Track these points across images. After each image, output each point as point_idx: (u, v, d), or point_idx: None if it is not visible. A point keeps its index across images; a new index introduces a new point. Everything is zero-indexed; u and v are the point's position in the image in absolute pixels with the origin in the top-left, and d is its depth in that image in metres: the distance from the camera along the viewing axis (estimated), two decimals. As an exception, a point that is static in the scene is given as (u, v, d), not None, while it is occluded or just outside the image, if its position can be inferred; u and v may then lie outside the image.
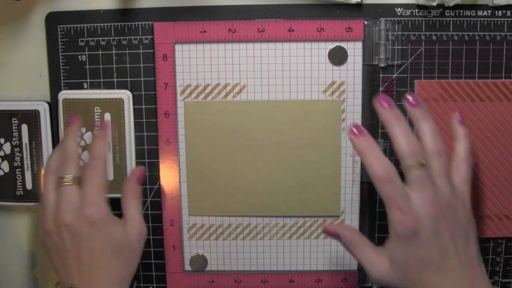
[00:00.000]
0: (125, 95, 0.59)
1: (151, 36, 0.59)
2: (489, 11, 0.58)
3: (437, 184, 0.48)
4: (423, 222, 0.47)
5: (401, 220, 0.47)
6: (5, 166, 0.60)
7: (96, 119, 0.59)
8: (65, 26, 0.59)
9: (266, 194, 0.60)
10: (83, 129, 0.59)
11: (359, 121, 0.59)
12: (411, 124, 0.50)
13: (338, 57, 0.58)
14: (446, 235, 0.47)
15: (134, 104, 0.60)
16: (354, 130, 0.49)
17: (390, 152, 0.59)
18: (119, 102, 0.59)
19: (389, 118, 0.49)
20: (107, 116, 0.59)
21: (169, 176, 0.61)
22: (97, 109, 0.59)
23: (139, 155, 0.61)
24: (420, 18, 0.58)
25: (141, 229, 0.55)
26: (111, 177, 0.60)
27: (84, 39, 0.59)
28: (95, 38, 0.59)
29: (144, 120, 0.60)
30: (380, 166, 0.48)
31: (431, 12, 0.58)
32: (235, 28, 0.58)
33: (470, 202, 0.50)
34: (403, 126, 0.48)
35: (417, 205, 0.47)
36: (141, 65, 0.59)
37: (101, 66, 0.59)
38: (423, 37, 0.58)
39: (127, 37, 0.59)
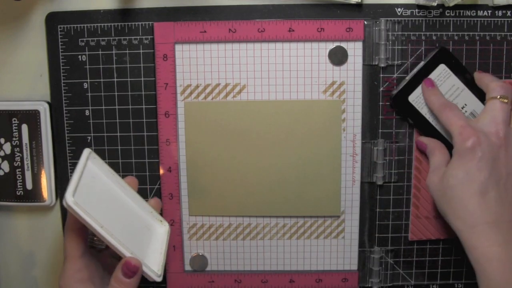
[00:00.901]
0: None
1: (151, 36, 0.59)
2: (489, 11, 0.58)
3: (510, 124, 0.51)
4: (482, 141, 0.50)
5: (461, 132, 0.50)
6: (5, 166, 0.60)
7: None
8: (65, 26, 0.59)
9: (266, 194, 0.60)
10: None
11: (359, 121, 0.59)
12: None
13: (338, 57, 0.58)
14: (500, 165, 0.50)
15: (133, 104, 0.60)
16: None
17: (390, 152, 0.59)
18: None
19: (480, 74, 0.56)
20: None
21: (169, 176, 0.61)
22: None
23: (139, 155, 0.61)
24: (420, 18, 0.58)
25: None
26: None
27: (84, 39, 0.59)
28: (95, 38, 0.59)
29: (144, 120, 0.60)
30: (438, 99, 0.55)
31: (431, 12, 0.58)
32: (235, 28, 0.58)
33: None
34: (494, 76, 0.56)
35: (482, 125, 0.51)
36: (141, 65, 0.59)
37: (101, 66, 0.59)
38: (423, 37, 0.58)
39: (127, 37, 0.59)
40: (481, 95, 0.56)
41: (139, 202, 0.55)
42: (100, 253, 0.54)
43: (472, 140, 0.50)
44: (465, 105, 0.56)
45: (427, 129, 0.57)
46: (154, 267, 0.51)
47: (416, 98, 0.57)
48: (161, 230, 0.56)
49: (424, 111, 0.57)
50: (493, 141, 0.50)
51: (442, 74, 0.56)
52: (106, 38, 0.59)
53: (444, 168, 0.53)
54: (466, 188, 0.50)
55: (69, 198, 0.46)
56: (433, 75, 0.56)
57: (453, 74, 0.56)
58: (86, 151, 0.52)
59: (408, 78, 0.57)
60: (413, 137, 0.59)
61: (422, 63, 0.57)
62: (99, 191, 0.52)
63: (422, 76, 0.56)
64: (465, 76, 0.56)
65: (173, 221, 0.61)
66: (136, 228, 0.54)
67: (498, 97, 0.52)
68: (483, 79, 0.55)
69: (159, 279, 0.51)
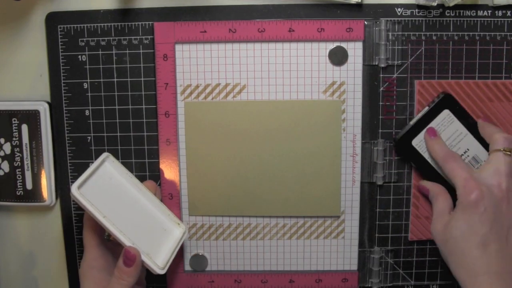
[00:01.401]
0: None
1: (151, 36, 0.59)
2: (489, 11, 0.58)
3: None
4: (485, 195, 0.50)
5: (464, 185, 0.51)
6: (5, 166, 0.60)
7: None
8: (65, 26, 0.59)
9: (266, 194, 0.60)
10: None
11: (359, 121, 0.59)
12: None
13: (338, 57, 0.58)
14: (502, 218, 0.51)
15: (133, 104, 0.60)
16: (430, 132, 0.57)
17: (390, 152, 0.59)
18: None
19: (483, 123, 0.57)
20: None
21: (169, 176, 0.61)
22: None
23: (140, 155, 0.61)
24: (420, 18, 0.58)
25: None
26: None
27: (84, 39, 0.59)
28: (95, 38, 0.59)
29: (144, 120, 0.60)
30: (441, 148, 0.56)
31: (431, 12, 0.58)
32: (235, 28, 0.58)
33: None
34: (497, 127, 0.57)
35: (485, 177, 0.52)
36: (141, 65, 0.59)
37: (101, 66, 0.59)
38: (423, 37, 0.58)
39: (127, 37, 0.59)
40: (483, 140, 0.57)
41: (157, 204, 0.58)
42: (117, 248, 0.57)
43: (475, 194, 0.51)
44: (468, 150, 0.57)
45: (430, 173, 0.58)
46: (159, 261, 0.54)
47: (419, 142, 0.58)
48: (177, 232, 0.58)
49: (427, 155, 0.58)
50: (495, 194, 0.51)
51: (446, 119, 0.57)
52: (106, 38, 0.59)
53: (448, 215, 0.54)
54: (469, 240, 0.51)
55: (74, 189, 0.51)
56: (437, 120, 0.57)
57: (457, 119, 0.57)
58: (104, 155, 0.56)
59: (412, 123, 0.58)
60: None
61: (426, 109, 0.57)
62: (114, 190, 0.56)
63: (426, 120, 0.57)
64: (469, 121, 0.57)
65: (173, 221, 0.61)
66: (149, 227, 0.56)
67: (502, 149, 0.53)
68: (486, 129, 0.56)
69: (161, 272, 0.54)
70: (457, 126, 0.57)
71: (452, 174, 0.53)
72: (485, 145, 0.56)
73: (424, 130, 0.57)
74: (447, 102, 0.57)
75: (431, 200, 0.57)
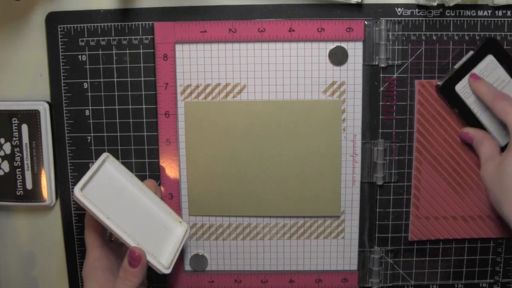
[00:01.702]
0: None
1: (151, 36, 0.59)
2: (489, 11, 0.58)
3: None
4: None
5: None
6: (5, 166, 0.60)
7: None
8: (65, 26, 0.59)
9: (266, 194, 0.60)
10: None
11: (359, 121, 0.59)
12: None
13: (338, 57, 0.58)
14: None
15: (134, 104, 0.60)
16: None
17: (390, 152, 0.59)
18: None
19: None
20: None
21: (169, 176, 0.61)
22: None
23: (140, 155, 0.61)
24: (421, 18, 0.58)
25: None
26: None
27: (84, 39, 0.59)
28: (95, 38, 0.59)
29: (144, 120, 0.60)
30: (489, 89, 0.55)
31: (431, 12, 0.58)
32: (236, 28, 0.58)
33: None
34: None
35: None
36: (141, 65, 0.59)
37: (101, 66, 0.59)
38: (423, 37, 0.58)
39: (127, 37, 0.59)
40: None
41: (158, 203, 0.58)
42: (120, 249, 0.57)
43: None
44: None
45: (472, 120, 0.57)
46: (163, 260, 0.54)
47: (463, 87, 0.57)
48: (179, 230, 0.58)
49: (469, 101, 0.57)
50: None
51: (489, 65, 0.56)
52: (106, 38, 0.59)
53: (498, 156, 0.54)
54: None
55: (77, 190, 0.51)
56: (480, 65, 0.56)
57: (500, 65, 0.56)
58: (104, 155, 0.56)
59: (456, 67, 0.57)
60: (413, 137, 0.59)
61: (471, 53, 0.57)
62: (114, 190, 0.56)
63: (470, 65, 0.56)
64: None
65: (173, 221, 0.61)
66: (152, 226, 0.56)
67: None
68: None
69: (167, 271, 0.53)
70: (500, 73, 0.56)
71: (504, 112, 0.53)
72: None
73: (468, 75, 0.56)
74: (491, 46, 0.56)
75: (476, 146, 0.57)
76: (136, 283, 0.51)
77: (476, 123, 0.57)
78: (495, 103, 0.54)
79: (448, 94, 0.57)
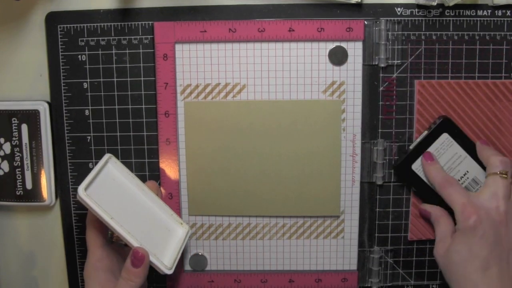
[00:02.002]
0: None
1: (151, 36, 0.59)
2: (489, 11, 0.58)
3: (511, 198, 0.52)
4: (483, 219, 0.51)
5: (463, 211, 0.52)
6: (5, 166, 0.60)
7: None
8: (65, 26, 0.59)
9: (266, 194, 0.60)
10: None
11: (358, 121, 0.59)
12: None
13: (338, 57, 0.58)
14: (501, 241, 0.52)
15: (133, 104, 0.60)
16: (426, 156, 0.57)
17: (390, 152, 0.59)
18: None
19: (481, 145, 0.57)
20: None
21: (169, 176, 0.61)
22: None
23: (139, 155, 0.61)
24: (420, 18, 0.58)
25: None
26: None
27: (84, 39, 0.59)
28: (95, 38, 0.59)
29: (144, 120, 0.60)
30: (438, 173, 0.56)
31: (431, 12, 0.58)
32: (235, 28, 0.58)
33: None
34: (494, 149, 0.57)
35: (483, 201, 0.52)
36: (141, 65, 0.59)
37: (101, 66, 0.59)
38: (423, 37, 0.58)
39: (127, 37, 0.59)
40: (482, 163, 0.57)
41: (160, 205, 0.58)
42: (121, 250, 0.57)
43: (473, 218, 0.51)
44: (467, 172, 0.58)
45: (431, 197, 0.58)
46: (165, 261, 0.54)
47: (419, 166, 0.58)
48: (180, 231, 0.59)
49: (426, 179, 0.58)
50: (494, 218, 0.52)
51: (445, 143, 0.57)
52: (106, 38, 0.59)
53: (449, 238, 0.55)
54: (469, 265, 0.51)
55: (81, 191, 0.51)
56: (436, 144, 0.57)
57: (456, 142, 0.57)
58: (106, 156, 0.56)
59: (411, 147, 0.58)
60: (413, 137, 0.59)
61: (425, 133, 0.58)
62: (117, 191, 0.56)
63: (425, 144, 0.58)
64: (467, 144, 0.58)
65: (173, 221, 0.61)
66: (154, 227, 0.56)
67: (498, 172, 0.53)
68: (484, 152, 0.56)
69: (169, 272, 0.54)
70: (456, 149, 0.58)
71: (449, 199, 0.54)
72: (484, 167, 0.57)
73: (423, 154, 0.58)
74: (445, 125, 0.57)
75: (433, 224, 0.58)
76: (138, 283, 0.51)
77: (435, 199, 0.58)
78: (443, 189, 0.55)
79: (405, 173, 0.59)
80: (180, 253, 0.56)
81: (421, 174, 0.58)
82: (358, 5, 0.58)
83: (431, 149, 0.57)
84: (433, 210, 0.58)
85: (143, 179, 0.60)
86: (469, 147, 0.57)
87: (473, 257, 0.51)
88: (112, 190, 0.55)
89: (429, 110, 0.59)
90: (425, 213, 0.59)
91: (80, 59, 0.59)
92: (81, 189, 0.51)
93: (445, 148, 0.57)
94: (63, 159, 0.61)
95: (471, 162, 0.57)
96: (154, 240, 0.55)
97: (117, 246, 0.58)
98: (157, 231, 0.57)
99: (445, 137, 0.57)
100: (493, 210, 0.52)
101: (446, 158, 0.57)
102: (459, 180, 0.57)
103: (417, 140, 0.58)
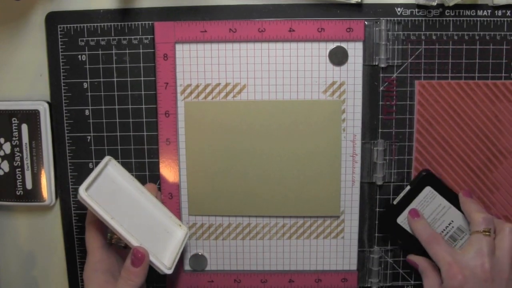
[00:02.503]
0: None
1: (151, 36, 0.59)
2: (489, 11, 0.58)
3: (496, 255, 0.53)
4: (468, 279, 0.52)
5: (448, 270, 0.53)
6: (5, 165, 0.60)
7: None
8: (65, 26, 0.59)
9: (266, 194, 0.60)
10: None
11: (359, 122, 0.59)
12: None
13: (338, 57, 0.58)
14: None
15: (133, 104, 0.60)
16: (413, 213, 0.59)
17: (390, 152, 0.60)
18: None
19: (464, 198, 0.58)
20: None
21: (169, 176, 0.61)
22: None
23: (139, 154, 0.61)
24: (420, 18, 0.58)
25: None
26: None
27: (84, 39, 0.59)
28: (95, 38, 0.59)
29: (144, 119, 0.60)
30: (424, 230, 0.57)
31: (431, 12, 0.58)
32: (236, 28, 0.58)
33: None
34: (478, 203, 0.58)
35: (467, 259, 0.53)
36: (141, 64, 0.59)
37: (101, 66, 0.59)
38: (423, 37, 0.58)
39: (127, 37, 0.59)
40: None
41: (159, 207, 0.58)
42: (120, 252, 0.57)
43: (459, 278, 0.52)
44: (452, 221, 0.58)
45: (417, 248, 0.58)
46: (165, 261, 0.54)
47: (404, 219, 0.59)
48: (179, 233, 0.59)
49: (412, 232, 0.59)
50: (479, 276, 0.52)
51: (428, 195, 0.59)
52: (106, 38, 0.59)
53: None
54: None
55: (82, 191, 0.51)
56: (419, 197, 0.59)
57: (439, 194, 0.58)
58: (106, 158, 0.56)
59: (395, 202, 0.59)
60: (413, 137, 0.59)
61: (408, 188, 0.59)
62: (117, 193, 0.56)
63: (409, 198, 0.59)
64: (450, 195, 0.59)
65: (173, 221, 0.61)
66: (153, 229, 0.57)
67: (482, 230, 0.54)
68: (466, 206, 0.57)
69: (168, 272, 0.54)
70: (440, 201, 0.58)
71: (435, 257, 0.55)
72: None
73: (407, 208, 0.59)
74: (428, 179, 0.59)
75: (421, 275, 0.59)
76: (138, 283, 0.52)
77: (421, 251, 0.58)
78: (429, 246, 0.56)
79: (390, 227, 0.60)
80: (179, 254, 0.56)
81: (406, 227, 0.59)
82: (358, 5, 0.58)
83: (415, 202, 0.59)
84: (420, 262, 0.59)
85: (143, 179, 0.60)
86: (452, 198, 0.58)
87: None
88: (111, 192, 0.55)
89: (429, 110, 0.59)
90: (413, 263, 0.60)
91: (80, 59, 0.59)
92: (82, 189, 0.51)
93: (429, 200, 0.59)
94: (63, 159, 0.61)
95: (454, 212, 0.58)
96: (153, 241, 0.55)
97: (116, 248, 0.57)
98: (156, 232, 0.57)
99: (428, 190, 0.58)
100: (478, 268, 0.52)
101: (430, 210, 0.59)
102: (444, 229, 0.58)
103: (400, 195, 0.59)
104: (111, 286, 0.52)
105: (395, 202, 0.59)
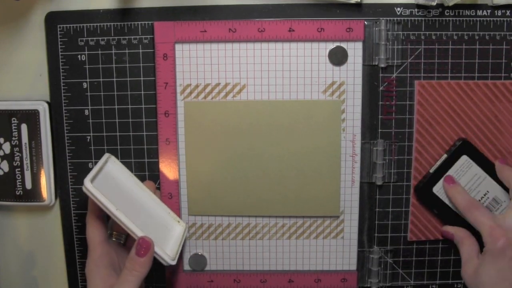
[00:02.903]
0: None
1: (151, 36, 0.59)
2: (489, 11, 0.58)
3: None
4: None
5: (490, 233, 0.52)
6: (5, 165, 0.60)
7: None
8: (64, 25, 0.59)
9: (265, 194, 0.60)
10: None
11: (358, 122, 0.59)
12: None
13: (338, 57, 0.58)
14: None
15: (133, 104, 0.60)
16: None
17: (389, 152, 0.60)
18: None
19: (501, 165, 0.58)
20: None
21: (168, 176, 0.61)
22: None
23: (139, 154, 0.61)
24: (420, 18, 0.58)
25: None
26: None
27: (84, 38, 0.59)
28: (94, 38, 0.59)
29: (143, 119, 0.60)
30: (462, 197, 0.56)
31: (431, 12, 0.58)
32: (235, 27, 0.58)
33: None
34: None
35: (509, 222, 0.52)
36: (141, 64, 0.59)
37: (100, 66, 0.59)
38: (422, 37, 0.58)
39: (127, 37, 0.59)
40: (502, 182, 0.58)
41: (158, 203, 0.59)
42: (120, 248, 0.57)
43: (502, 241, 0.52)
44: (487, 192, 0.58)
45: (453, 219, 0.59)
46: (169, 252, 0.54)
47: (440, 189, 0.59)
48: (178, 228, 0.59)
49: (448, 201, 0.59)
50: None
51: (464, 165, 0.58)
52: (105, 38, 0.59)
53: (476, 259, 0.55)
54: (498, 286, 0.51)
55: (87, 182, 0.51)
56: (456, 166, 0.58)
57: (475, 163, 0.58)
58: (106, 155, 0.57)
59: (432, 170, 0.59)
60: (413, 137, 0.59)
61: (445, 156, 0.58)
62: (117, 190, 0.56)
63: (445, 167, 0.58)
64: (486, 164, 0.58)
65: (172, 221, 0.61)
66: (153, 224, 0.57)
67: None
68: (504, 172, 0.57)
69: (172, 263, 0.54)
70: (476, 170, 0.58)
71: (476, 222, 0.54)
72: (505, 186, 0.57)
73: (444, 177, 0.58)
74: (465, 148, 0.58)
75: (457, 245, 0.58)
76: (143, 273, 0.52)
77: (458, 221, 0.58)
78: (468, 212, 0.55)
79: (426, 196, 0.59)
80: (181, 246, 0.57)
81: (442, 196, 0.59)
82: (358, 5, 0.58)
83: (451, 171, 0.58)
84: (456, 231, 0.58)
85: (142, 179, 0.60)
86: (488, 168, 0.58)
87: (503, 280, 0.51)
88: (112, 187, 0.55)
89: (429, 111, 0.59)
90: (447, 235, 0.59)
91: (79, 59, 0.59)
92: (87, 180, 0.51)
93: (465, 170, 0.58)
94: (63, 159, 0.61)
95: (490, 182, 0.58)
96: (154, 235, 0.55)
97: (116, 244, 0.58)
98: (156, 227, 0.57)
99: (464, 159, 0.58)
100: None
101: (466, 179, 0.58)
102: (479, 200, 0.58)
103: (437, 163, 0.59)
104: (114, 280, 0.52)
105: (431, 171, 0.59)
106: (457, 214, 0.58)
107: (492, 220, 0.53)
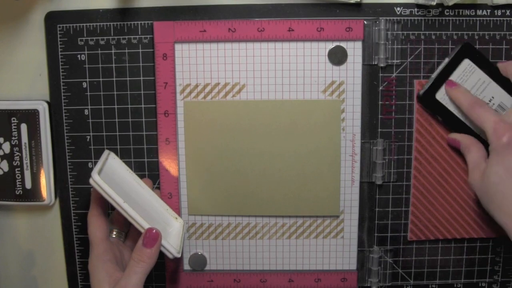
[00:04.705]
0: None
1: (151, 36, 0.59)
2: (489, 11, 0.58)
3: None
4: None
5: (495, 129, 0.50)
6: (5, 165, 0.60)
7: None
8: (64, 25, 0.59)
9: (265, 194, 0.60)
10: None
11: (358, 121, 0.59)
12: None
13: (338, 57, 0.58)
14: None
15: (133, 104, 0.60)
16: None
17: (389, 152, 0.60)
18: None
19: (503, 63, 0.56)
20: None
21: (168, 175, 0.61)
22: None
23: (139, 154, 0.61)
24: (420, 18, 0.58)
25: None
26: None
27: (84, 38, 0.59)
28: (94, 38, 0.59)
29: (143, 119, 0.60)
30: (465, 96, 0.55)
31: (431, 12, 0.58)
32: (235, 27, 0.58)
33: None
34: None
35: None
36: (141, 64, 0.59)
37: (100, 66, 0.59)
38: (422, 37, 0.58)
39: (127, 37, 0.59)
40: (507, 87, 0.56)
41: (156, 199, 0.59)
42: (120, 245, 0.57)
43: (507, 135, 0.50)
44: (492, 97, 0.56)
45: (457, 126, 0.57)
46: (173, 245, 0.55)
47: (443, 95, 0.57)
48: (176, 225, 0.59)
49: (452, 108, 0.57)
50: None
51: (467, 69, 0.56)
52: (105, 38, 0.59)
53: (483, 163, 0.53)
54: (508, 182, 0.50)
55: (95, 175, 0.51)
56: (458, 71, 0.56)
57: (478, 68, 0.56)
58: (106, 152, 0.58)
59: (433, 76, 0.57)
60: (412, 136, 0.59)
61: (446, 60, 0.57)
62: (120, 184, 0.56)
63: (447, 72, 0.56)
64: (490, 69, 0.56)
65: (172, 221, 0.61)
66: (154, 220, 0.57)
67: None
68: (508, 67, 0.55)
69: (178, 255, 0.54)
70: (480, 75, 0.56)
71: (480, 120, 0.53)
72: (510, 91, 0.56)
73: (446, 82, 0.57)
74: (466, 51, 0.56)
75: (463, 152, 0.57)
76: (150, 264, 0.52)
77: (462, 128, 0.57)
78: (472, 110, 0.54)
79: (430, 103, 0.57)
80: (183, 241, 0.57)
81: (445, 103, 0.57)
82: (358, 5, 0.58)
83: (453, 76, 0.56)
84: (462, 138, 0.57)
85: (141, 178, 0.60)
86: (492, 72, 0.56)
87: (511, 175, 0.50)
88: (114, 183, 0.55)
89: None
90: (454, 142, 0.58)
91: (79, 58, 0.59)
92: (95, 173, 0.51)
93: (468, 74, 0.56)
94: (63, 158, 0.61)
95: (495, 88, 0.56)
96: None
97: (117, 241, 0.57)
98: (157, 223, 0.57)
99: (466, 63, 0.56)
100: None
101: (469, 85, 0.56)
102: None
103: (439, 68, 0.56)
104: (118, 274, 0.52)
105: (433, 76, 0.57)
106: (462, 121, 0.56)
107: (497, 115, 0.52)
